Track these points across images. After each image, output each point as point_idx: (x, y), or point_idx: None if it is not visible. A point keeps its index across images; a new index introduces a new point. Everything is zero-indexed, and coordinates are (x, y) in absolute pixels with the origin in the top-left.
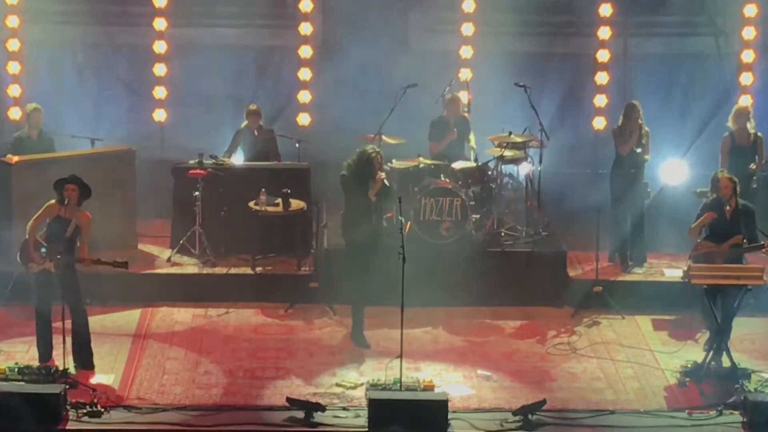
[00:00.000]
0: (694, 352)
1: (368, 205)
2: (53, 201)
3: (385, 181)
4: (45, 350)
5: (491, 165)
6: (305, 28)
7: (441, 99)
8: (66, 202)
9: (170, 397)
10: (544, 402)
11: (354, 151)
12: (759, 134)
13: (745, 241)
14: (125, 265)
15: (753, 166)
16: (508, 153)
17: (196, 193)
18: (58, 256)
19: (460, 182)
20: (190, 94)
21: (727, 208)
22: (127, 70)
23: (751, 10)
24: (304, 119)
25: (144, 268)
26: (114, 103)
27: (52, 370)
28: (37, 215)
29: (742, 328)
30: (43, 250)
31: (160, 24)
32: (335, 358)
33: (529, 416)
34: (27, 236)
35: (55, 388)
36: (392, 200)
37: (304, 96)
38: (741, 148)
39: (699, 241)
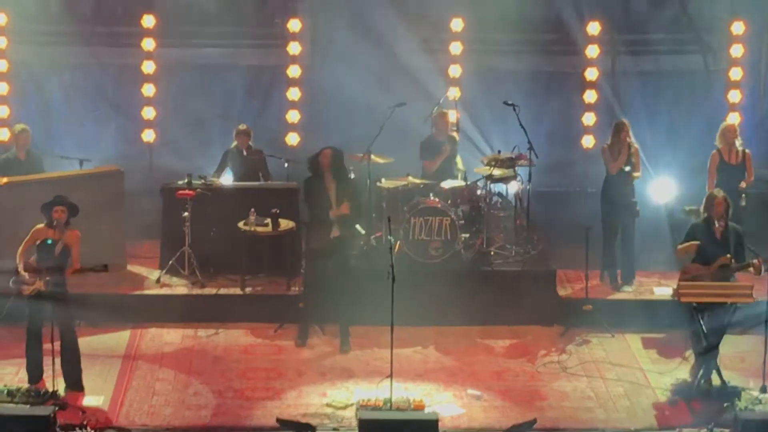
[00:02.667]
0: (684, 371)
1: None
2: (40, 225)
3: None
4: (35, 372)
5: (480, 184)
6: (294, 48)
7: (429, 118)
8: (55, 224)
9: (160, 419)
10: (534, 421)
11: None
12: (747, 151)
13: (732, 261)
14: (105, 268)
15: (743, 184)
16: (497, 172)
17: (185, 213)
18: (47, 278)
19: (449, 201)
20: (178, 115)
21: (717, 227)
22: (115, 91)
23: (738, 28)
24: (292, 139)
25: (133, 289)
26: (102, 124)
27: (42, 392)
28: (25, 241)
29: (732, 346)
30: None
31: (148, 44)
32: (325, 378)
33: None
34: (17, 263)
35: (44, 410)
36: (360, 211)
37: (293, 115)
38: (729, 165)
39: (688, 264)
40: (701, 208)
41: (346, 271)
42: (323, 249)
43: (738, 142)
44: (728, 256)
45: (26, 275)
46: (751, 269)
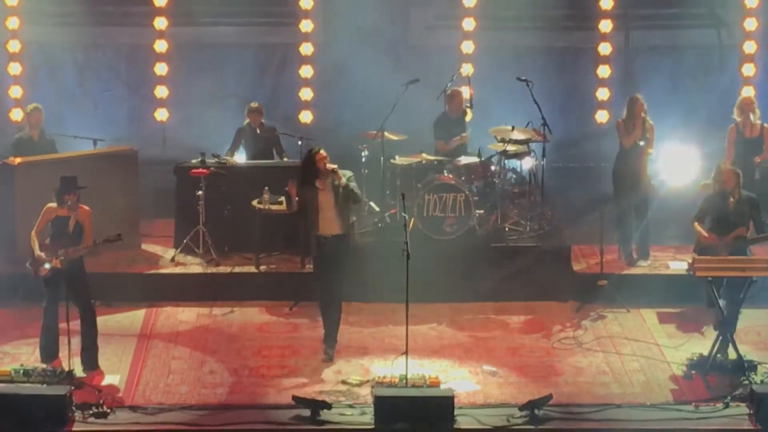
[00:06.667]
0: (700, 345)
1: (312, 203)
2: (51, 204)
3: (348, 180)
4: (50, 351)
5: (494, 160)
6: (306, 25)
7: (442, 95)
8: (68, 204)
9: (176, 397)
10: (550, 397)
11: (356, 148)
12: (765, 125)
13: (749, 232)
14: (119, 237)
15: (758, 159)
16: (511, 148)
17: (199, 192)
18: (62, 255)
19: (463, 178)
20: (191, 93)
21: (731, 199)
22: (128, 70)
23: (752, 1)
24: (306, 116)
25: (148, 268)
26: (115, 104)
27: (58, 372)
28: (38, 222)
29: (748, 320)
30: (47, 266)
31: (160, 23)
32: (340, 355)
33: (536, 411)
34: (32, 246)
35: (60, 390)
36: (357, 200)
37: (306, 93)
38: (747, 139)
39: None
40: (711, 181)
41: (342, 276)
42: (323, 243)
43: (755, 116)
44: (744, 228)
45: (43, 255)
46: None
